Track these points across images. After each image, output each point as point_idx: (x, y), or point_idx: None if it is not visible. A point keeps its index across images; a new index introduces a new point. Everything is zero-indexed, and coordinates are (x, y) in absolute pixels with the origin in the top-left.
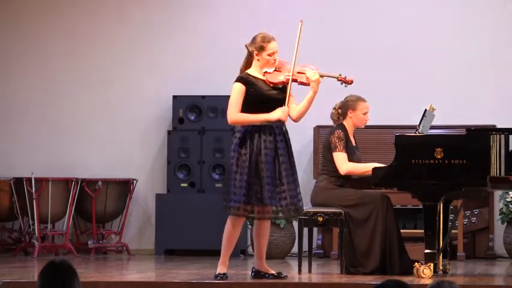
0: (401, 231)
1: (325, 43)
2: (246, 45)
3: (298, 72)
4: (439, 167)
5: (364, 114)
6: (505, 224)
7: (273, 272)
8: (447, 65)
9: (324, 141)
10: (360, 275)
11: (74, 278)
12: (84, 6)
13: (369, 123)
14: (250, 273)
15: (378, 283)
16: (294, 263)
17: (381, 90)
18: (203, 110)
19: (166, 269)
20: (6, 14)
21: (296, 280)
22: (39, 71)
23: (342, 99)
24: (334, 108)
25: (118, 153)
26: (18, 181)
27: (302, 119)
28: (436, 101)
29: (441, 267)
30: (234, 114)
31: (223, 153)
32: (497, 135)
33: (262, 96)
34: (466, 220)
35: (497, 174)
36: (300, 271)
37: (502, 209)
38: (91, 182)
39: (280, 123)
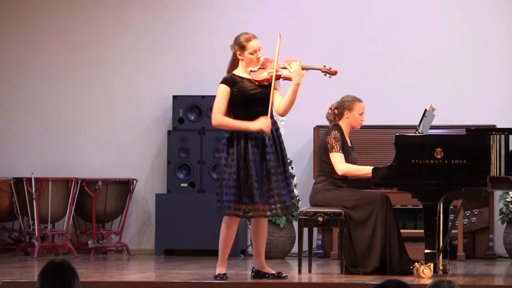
0: (401, 231)
1: (325, 43)
2: (230, 46)
3: (282, 68)
4: (439, 167)
5: (361, 114)
6: (505, 224)
7: (273, 272)
8: (447, 65)
9: (321, 142)
10: (360, 275)
11: (73, 278)
12: (84, 7)
13: (367, 124)
14: (250, 273)
15: (378, 283)
16: (294, 263)
17: (381, 90)
18: (203, 110)
19: (166, 269)
20: (6, 14)
21: (296, 280)
22: (39, 71)
23: (339, 99)
24: (330, 109)
25: (118, 153)
26: (18, 181)
27: (302, 119)
28: (436, 101)
29: (441, 267)
30: (218, 117)
31: None
32: (497, 135)
33: (246, 96)
34: (466, 220)
35: (497, 174)
36: (300, 271)
37: (502, 209)
38: (91, 182)
39: (263, 134)
